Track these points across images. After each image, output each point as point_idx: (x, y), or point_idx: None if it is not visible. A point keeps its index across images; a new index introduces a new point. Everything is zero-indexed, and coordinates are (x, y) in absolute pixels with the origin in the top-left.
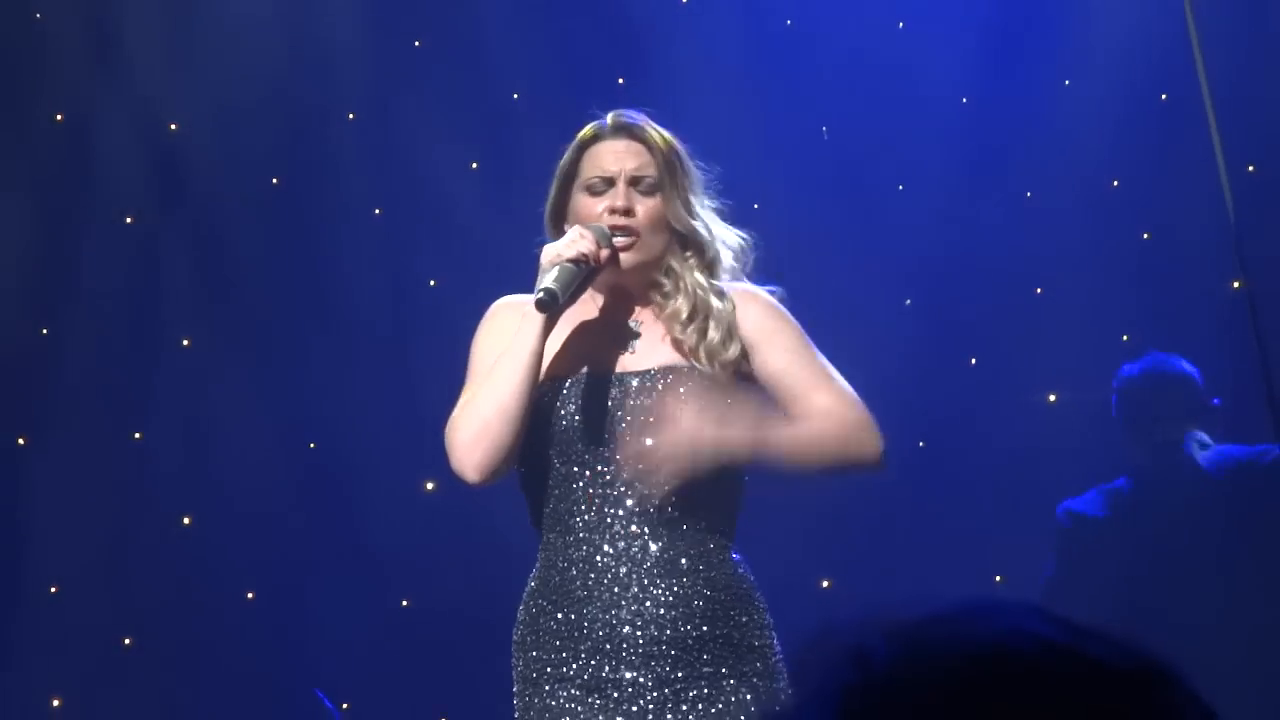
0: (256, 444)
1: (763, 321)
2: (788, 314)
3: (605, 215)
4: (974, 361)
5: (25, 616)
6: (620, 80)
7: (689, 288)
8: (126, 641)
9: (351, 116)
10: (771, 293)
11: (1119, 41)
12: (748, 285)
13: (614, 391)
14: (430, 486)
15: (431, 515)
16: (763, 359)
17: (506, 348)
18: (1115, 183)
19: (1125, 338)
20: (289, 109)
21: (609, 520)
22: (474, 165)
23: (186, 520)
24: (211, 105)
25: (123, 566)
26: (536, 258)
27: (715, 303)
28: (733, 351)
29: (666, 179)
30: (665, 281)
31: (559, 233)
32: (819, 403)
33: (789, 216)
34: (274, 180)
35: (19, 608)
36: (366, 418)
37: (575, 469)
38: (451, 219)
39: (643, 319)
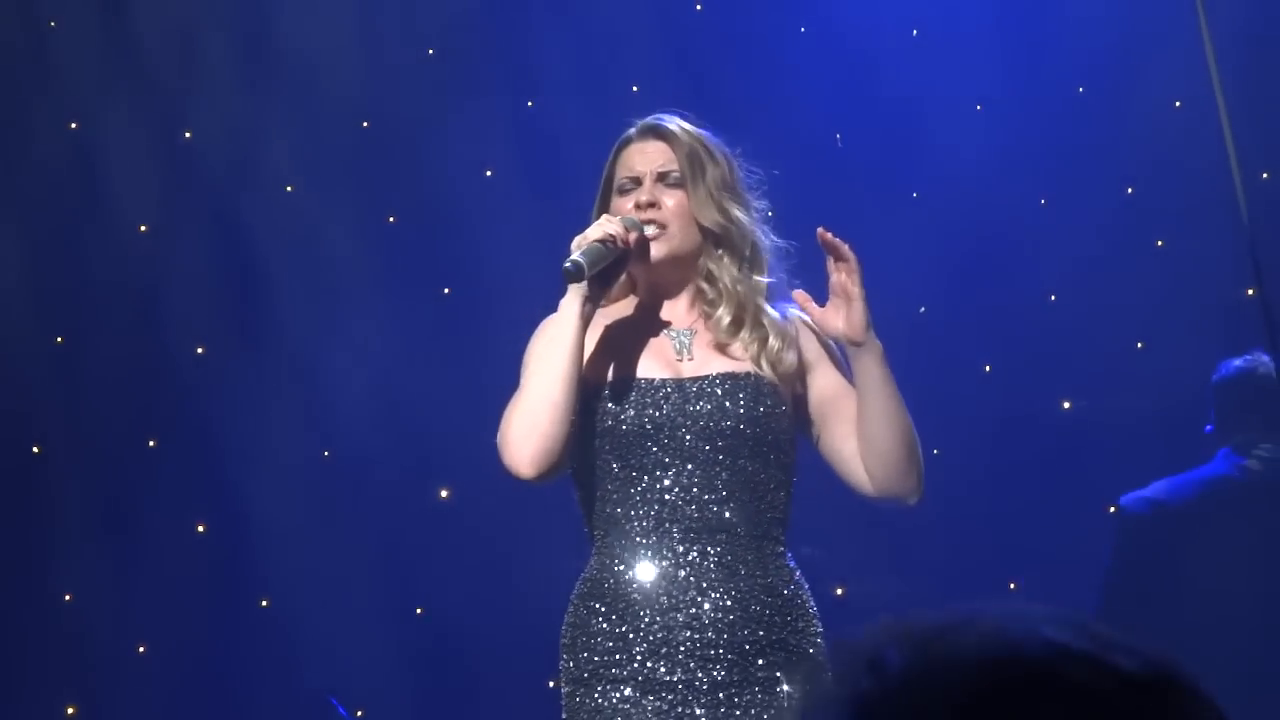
0: (271, 452)
1: (821, 350)
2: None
3: (633, 212)
4: (988, 369)
5: (40, 624)
6: (635, 88)
7: (729, 289)
8: (141, 649)
9: (365, 124)
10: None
11: (1133, 48)
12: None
13: (674, 397)
14: (444, 494)
15: (445, 523)
16: (825, 369)
17: (545, 346)
18: (1130, 190)
19: (1140, 345)
20: (302, 116)
21: (667, 524)
22: (489, 173)
23: (201, 528)
24: (225, 113)
25: (137, 574)
26: (550, 265)
27: (766, 307)
28: (791, 360)
29: (689, 173)
30: (708, 289)
31: None
32: None
33: (803, 223)
34: (288, 188)
35: (34, 616)
36: (381, 426)
37: (634, 473)
38: (465, 227)
39: (695, 324)
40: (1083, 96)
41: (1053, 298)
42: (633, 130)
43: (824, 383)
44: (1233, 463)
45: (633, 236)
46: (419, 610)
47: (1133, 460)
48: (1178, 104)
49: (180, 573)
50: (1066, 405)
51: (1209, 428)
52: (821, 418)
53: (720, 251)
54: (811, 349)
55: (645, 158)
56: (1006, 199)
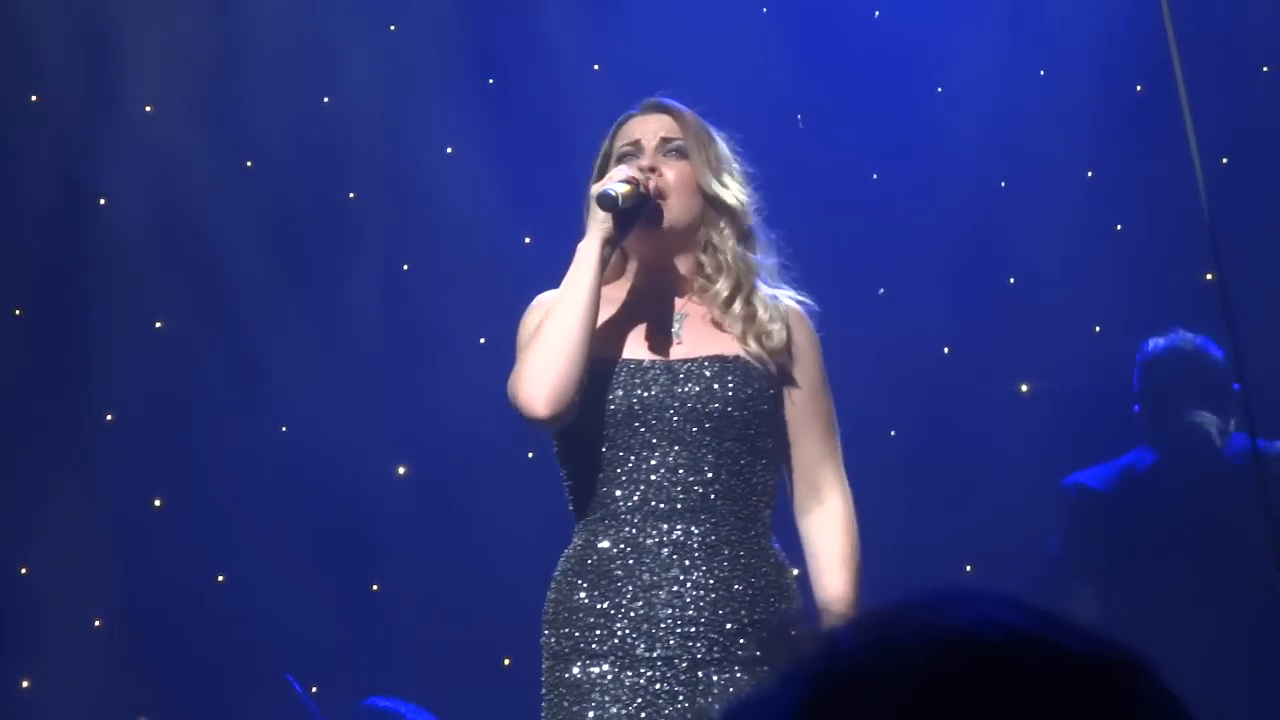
0: (228, 427)
1: (806, 350)
2: (820, 348)
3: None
4: (947, 351)
5: None
6: (596, 67)
7: (730, 263)
8: (96, 623)
9: (326, 100)
10: (809, 310)
11: (1094, 32)
12: (795, 305)
13: (663, 378)
14: (402, 471)
15: (403, 500)
16: (790, 384)
17: (563, 287)
18: (1090, 173)
19: (1098, 329)
20: (263, 91)
21: (652, 504)
22: (449, 150)
23: (158, 502)
24: (186, 87)
25: (93, 548)
26: (510, 242)
27: (761, 286)
28: (780, 336)
29: (694, 145)
30: (705, 261)
31: None
32: (830, 489)
33: (763, 204)
34: (248, 163)
35: None
36: (339, 402)
37: (621, 453)
38: (425, 203)
39: (687, 305)
40: (1043, 79)
41: (1012, 280)
42: (635, 108)
43: (796, 403)
44: (1158, 445)
45: (651, 184)
46: (375, 587)
47: (1090, 443)
48: (1139, 88)
49: (137, 547)
50: (1024, 388)
51: (1136, 407)
52: (789, 431)
53: (722, 223)
54: (794, 347)
55: (647, 127)
56: (966, 181)
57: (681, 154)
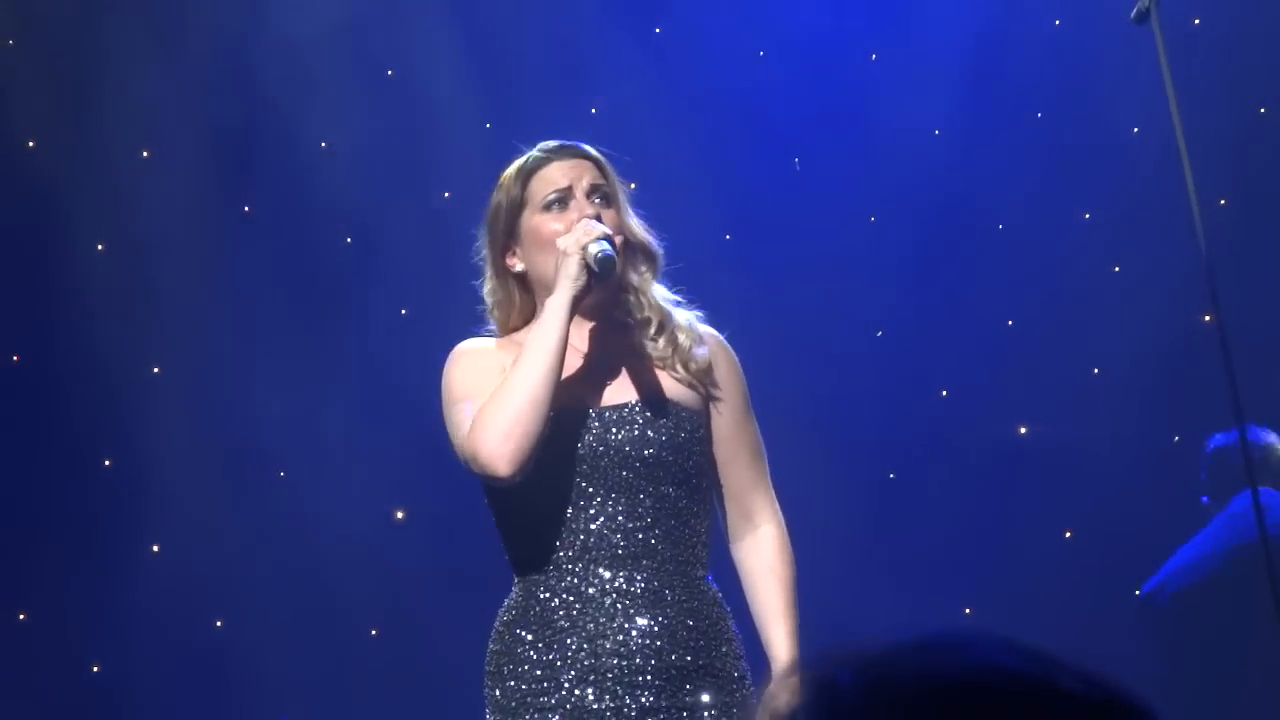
0: (226, 472)
1: (728, 373)
2: (742, 372)
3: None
4: (945, 394)
5: None
6: (593, 110)
7: (653, 301)
8: (95, 669)
9: (324, 145)
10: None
11: (1091, 75)
12: (712, 330)
13: (595, 426)
14: (400, 516)
15: (400, 545)
16: (717, 410)
17: (530, 342)
18: (1087, 215)
19: (1096, 370)
20: (261, 137)
21: (593, 552)
22: (446, 195)
23: (155, 548)
24: (184, 132)
25: (91, 594)
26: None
27: (679, 317)
28: (704, 356)
29: (615, 191)
30: (627, 296)
31: (502, 267)
32: (762, 515)
33: (761, 248)
34: (246, 208)
35: None
36: (337, 447)
37: (559, 503)
38: (424, 248)
39: (614, 347)
40: (1040, 122)
41: (1010, 323)
42: (541, 151)
43: (716, 421)
44: (1222, 537)
45: (619, 239)
46: (374, 632)
47: (1088, 486)
48: (1135, 130)
49: (135, 593)
50: (1023, 430)
51: (1205, 499)
52: (718, 459)
53: (644, 268)
54: (719, 376)
55: (573, 173)
56: (963, 224)
57: (608, 201)
